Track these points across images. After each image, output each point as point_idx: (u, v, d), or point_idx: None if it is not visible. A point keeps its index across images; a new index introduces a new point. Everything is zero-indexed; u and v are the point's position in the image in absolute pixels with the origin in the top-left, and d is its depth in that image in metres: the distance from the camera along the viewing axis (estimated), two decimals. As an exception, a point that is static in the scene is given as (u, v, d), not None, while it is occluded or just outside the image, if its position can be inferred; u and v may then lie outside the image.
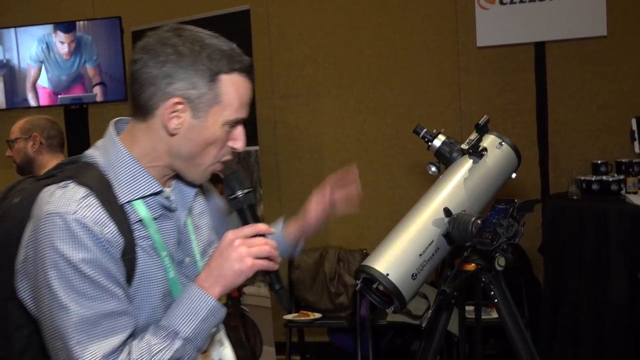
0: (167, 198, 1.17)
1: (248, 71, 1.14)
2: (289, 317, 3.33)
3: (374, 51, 3.67)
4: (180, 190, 1.21)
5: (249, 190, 1.16)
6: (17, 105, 3.98)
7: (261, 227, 1.13)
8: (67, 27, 3.89)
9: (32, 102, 3.98)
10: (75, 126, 3.98)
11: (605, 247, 2.77)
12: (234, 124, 1.14)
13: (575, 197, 3.10)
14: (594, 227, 2.84)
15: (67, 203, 1.03)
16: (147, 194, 1.13)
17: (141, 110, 1.12)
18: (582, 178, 3.16)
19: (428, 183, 1.65)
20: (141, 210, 1.12)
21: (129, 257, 1.08)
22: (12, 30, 3.93)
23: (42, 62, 3.97)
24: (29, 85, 3.98)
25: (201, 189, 1.30)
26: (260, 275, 1.15)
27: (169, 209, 1.17)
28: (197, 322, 1.07)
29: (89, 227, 1.02)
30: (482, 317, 1.66)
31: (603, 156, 3.32)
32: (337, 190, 1.54)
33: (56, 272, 1.01)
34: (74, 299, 1.01)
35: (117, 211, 1.07)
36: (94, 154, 1.14)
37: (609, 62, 3.42)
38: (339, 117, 3.74)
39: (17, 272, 1.08)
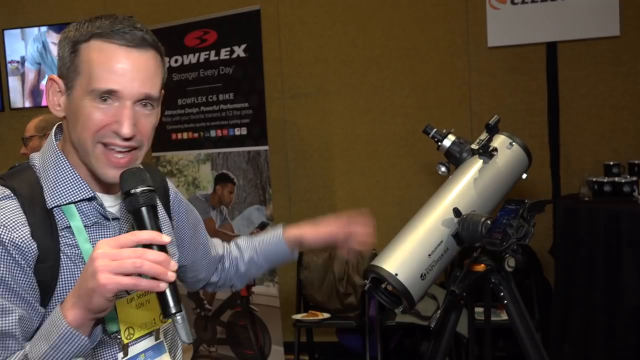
0: (102, 205, 1.06)
1: (114, 36, 0.99)
2: (298, 316, 3.33)
3: (384, 51, 3.67)
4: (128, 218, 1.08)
5: (149, 188, 0.96)
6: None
7: (143, 234, 0.90)
8: (60, 28, 3.94)
9: (27, 105, 4.04)
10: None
11: (617, 249, 2.74)
12: (101, 97, 0.99)
13: (586, 199, 3.07)
14: (605, 229, 2.81)
15: None
16: (77, 199, 1.03)
17: None
18: (594, 179, 3.13)
19: (438, 183, 1.64)
20: (70, 216, 1.03)
21: (49, 265, 0.99)
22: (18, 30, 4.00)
23: (39, 63, 4.03)
24: (27, 88, 4.03)
25: (168, 201, 1.21)
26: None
27: (106, 217, 1.07)
28: (47, 348, 0.90)
29: None
30: (492, 318, 1.65)
31: (615, 157, 3.29)
32: (352, 226, 1.43)
33: None
34: None
35: (40, 216, 0.99)
36: (34, 156, 1.09)
37: (622, 63, 3.38)
38: (348, 117, 3.74)
39: None
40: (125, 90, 0.99)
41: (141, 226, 0.94)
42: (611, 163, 3.22)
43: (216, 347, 3.60)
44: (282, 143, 3.80)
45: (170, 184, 1.30)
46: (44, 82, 4.04)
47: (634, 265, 2.68)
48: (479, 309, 1.72)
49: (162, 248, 0.91)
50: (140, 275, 0.88)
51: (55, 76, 1.04)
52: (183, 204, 1.31)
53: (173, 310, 0.91)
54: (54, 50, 3.99)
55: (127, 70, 0.99)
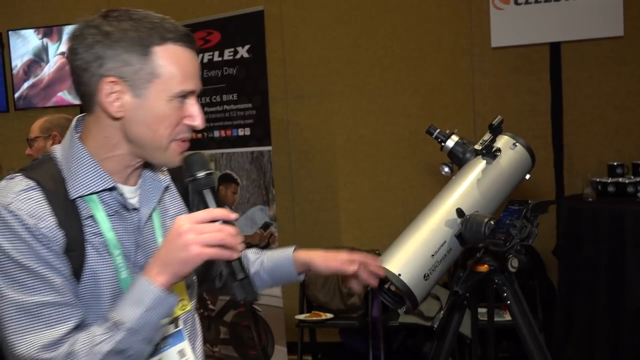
0: (122, 195, 1.11)
1: (184, 40, 1.08)
2: (301, 317, 3.34)
3: (387, 51, 3.67)
4: (147, 189, 1.16)
5: (210, 172, 1.08)
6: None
7: (217, 212, 1.03)
8: (60, 29, 3.97)
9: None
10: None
11: (621, 250, 2.73)
12: (181, 97, 1.08)
13: (590, 199, 3.07)
14: (609, 229, 2.80)
15: (5, 195, 1.03)
16: (99, 189, 1.08)
17: (85, 100, 1.09)
18: (598, 180, 3.12)
19: (441, 184, 1.65)
20: (93, 206, 1.08)
21: (75, 254, 1.04)
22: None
23: (40, 63, 4.06)
24: (33, 89, 4.06)
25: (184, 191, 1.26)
26: (223, 265, 1.07)
27: (126, 207, 1.12)
28: (142, 311, 0.99)
29: (22, 219, 1.01)
30: (495, 319, 1.65)
31: (619, 158, 3.28)
32: (363, 260, 1.40)
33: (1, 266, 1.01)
34: (12, 288, 1.00)
35: (65, 206, 1.05)
36: (56, 149, 1.13)
37: (626, 63, 3.38)
38: (351, 118, 3.74)
39: None
40: (197, 89, 1.11)
41: (206, 205, 1.06)
42: (615, 163, 3.21)
43: (219, 347, 3.60)
44: (285, 144, 3.81)
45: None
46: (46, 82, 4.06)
47: (637, 266, 2.68)
48: (482, 310, 1.72)
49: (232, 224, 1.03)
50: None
51: (115, 78, 1.04)
52: None
53: (240, 277, 1.05)
54: (52, 52, 4.00)
55: (195, 72, 1.11)
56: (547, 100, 3.45)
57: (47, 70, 4.06)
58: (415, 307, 1.43)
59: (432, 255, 1.43)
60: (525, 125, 3.45)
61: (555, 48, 3.41)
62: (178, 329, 1.18)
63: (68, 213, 1.04)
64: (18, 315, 1.00)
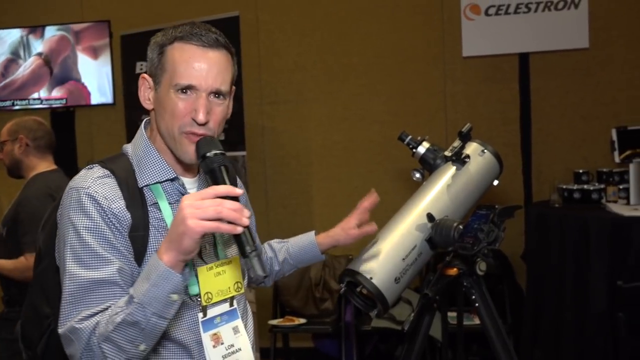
0: (183, 185, 1.24)
1: (192, 38, 1.18)
2: (274, 322, 3.34)
3: (362, 59, 3.72)
4: (204, 180, 1.27)
5: (220, 151, 1.13)
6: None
7: (220, 188, 1.06)
8: (35, 30, 3.91)
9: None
10: (61, 129, 3.97)
11: (586, 254, 2.81)
12: (184, 91, 1.17)
13: (557, 205, 3.16)
14: (574, 235, 2.88)
15: (85, 180, 1.17)
16: (162, 179, 1.22)
17: None
18: (564, 187, 3.22)
19: (414, 190, 1.68)
20: (157, 194, 1.21)
21: (140, 235, 1.16)
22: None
23: (14, 62, 3.98)
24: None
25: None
26: (234, 241, 1.10)
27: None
28: (148, 286, 1.05)
29: (97, 200, 1.14)
30: (465, 323, 1.68)
31: (585, 165, 3.39)
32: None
33: (68, 238, 1.14)
34: (75, 264, 1.12)
35: (134, 193, 1.18)
36: (127, 146, 1.28)
37: (591, 74, 3.49)
38: (326, 124, 3.77)
39: (56, 243, 1.21)
40: (201, 84, 1.17)
41: (217, 183, 1.10)
42: (580, 171, 3.31)
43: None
44: (260, 149, 3.81)
45: (239, 180, 1.50)
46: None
47: (601, 271, 2.75)
48: (452, 314, 1.75)
49: (236, 200, 1.06)
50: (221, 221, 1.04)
51: (146, 75, 1.23)
52: (244, 197, 1.46)
53: (248, 251, 1.06)
54: (34, 50, 3.94)
55: (202, 68, 1.17)
56: (517, 108, 3.55)
57: (22, 71, 3.98)
58: (386, 310, 1.46)
59: (403, 259, 1.46)
60: (496, 132, 3.53)
61: (524, 58, 3.51)
62: (233, 307, 1.28)
63: (136, 199, 1.18)
64: (72, 286, 1.11)
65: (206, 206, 1.03)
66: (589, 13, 3.39)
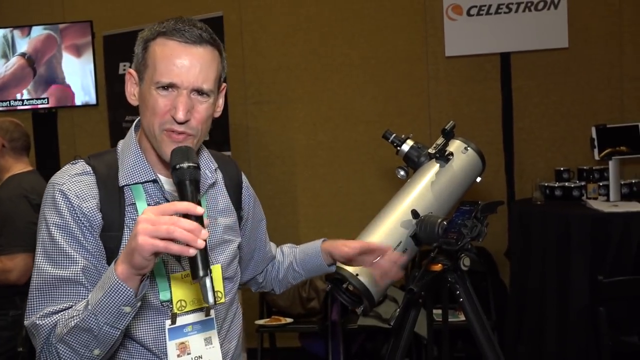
0: (162, 187, 1.21)
1: (175, 35, 1.14)
2: (260, 322, 3.33)
3: (345, 59, 3.73)
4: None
5: (192, 165, 1.07)
6: None
7: (180, 205, 1.01)
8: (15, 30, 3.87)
9: None
10: (43, 130, 3.93)
11: (567, 250, 2.86)
12: (164, 87, 1.13)
13: (539, 203, 3.20)
14: (556, 231, 2.93)
15: (62, 176, 1.16)
16: (142, 180, 1.19)
17: None
18: (546, 184, 3.27)
19: (398, 189, 1.70)
20: (137, 195, 1.18)
21: (114, 235, 1.14)
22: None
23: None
24: None
25: (240, 192, 1.35)
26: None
27: (166, 199, 1.20)
28: (100, 296, 1.03)
29: (69, 198, 1.13)
30: (450, 319, 1.71)
31: (566, 163, 3.44)
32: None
33: (40, 235, 1.14)
34: (43, 259, 1.13)
35: (112, 192, 1.16)
36: (120, 142, 1.26)
37: (571, 73, 3.55)
38: (310, 124, 3.79)
39: None
40: (182, 82, 1.13)
41: (183, 197, 1.05)
42: (562, 169, 3.37)
43: (178, 355, 3.55)
44: (244, 149, 3.81)
45: (245, 178, 1.43)
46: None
47: (581, 267, 2.81)
48: (437, 311, 1.78)
49: (199, 219, 1.00)
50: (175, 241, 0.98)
51: (132, 70, 1.20)
52: (252, 198, 1.44)
53: (200, 274, 1.00)
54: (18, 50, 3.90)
55: (183, 65, 1.13)
56: (499, 108, 3.59)
57: (4, 72, 3.92)
58: (372, 306, 1.47)
59: (389, 255, 1.47)
60: (479, 131, 3.57)
61: (505, 58, 3.55)
62: (209, 317, 1.24)
63: (114, 198, 1.16)
64: (38, 281, 1.12)
65: (160, 223, 0.97)
66: (568, 13, 3.45)
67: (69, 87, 3.90)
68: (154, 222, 0.98)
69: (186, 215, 0.99)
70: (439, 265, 1.54)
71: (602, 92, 3.54)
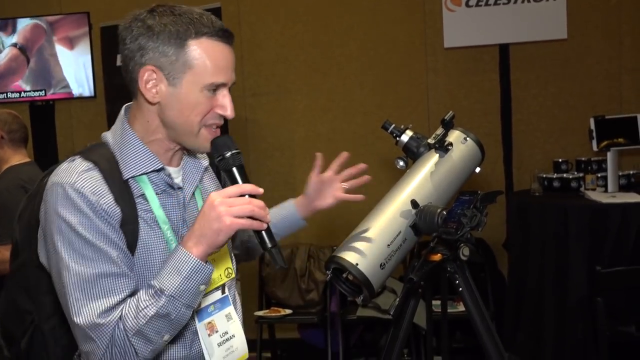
0: (169, 175, 1.22)
1: (219, 35, 1.16)
2: (260, 313, 3.35)
3: (344, 50, 3.73)
4: (190, 169, 1.27)
5: (237, 151, 1.16)
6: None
7: (246, 187, 1.12)
8: (9, 22, 3.85)
9: None
10: (41, 122, 3.92)
11: (565, 241, 2.88)
12: (214, 88, 1.17)
13: (537, 194, 3.21)
14: (554, 222, 2.94)
15: (69, 174, 1.14)
16: (149, 170, 1.20)
17: (130, 87, 1.20)
18: (544, 176, 3.28)
19: (398, 180, 1.70)
20: (144, 185, 1.20)
21: (130, 228, 1.16)
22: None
23: None
24: None
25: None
26: (255, 236, 1.15)
27: (172, 186, 1.23)
28: (181, 279, 1.08)
29: (86, 195, 1.12)
30: (449, 310, 1.71)
31: (564, 155, 3.45)
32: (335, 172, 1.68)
33: (60, 235, 1.11)
34: (74, 259, 1.11)
35: (119, 185, 1.16)
36: (107, 135, 1.24)
37: (570, 65, 3.55)
38: (309, 116, 3.78)
39: (38, 240, 1.19)
40: (228, 82, 1.19)
41: (235, 182, 1.14)
42: (560, 160, 3.38)
43: (177, 346, 3.56)
44: (243, 141, 3.81)
45: None
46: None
47: (579, 257, 2.82)
48: (436, 302, 1.78)
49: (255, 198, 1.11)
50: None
51: (154, 67, 1.15)
52: None
53: (269, 245, 1.13)
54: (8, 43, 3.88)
55: (228, 65, 1.19)
56: (497, 99, 3.59)
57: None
58: (372, 296, 1.48)
59: (388, 245, 1.48)
60: (477, 123, 3.58)
61: (504, 49, 3.55)
62: (225, 294, 1.30)
63: (122, 192, 1.16)
64: (81, 284, 1.10)
65: (239, 204, 1.08)
66: (567, 5, 3.44)
67: (64, 78, 3.88)
68: (232, 203, 1.08)
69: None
70: (438, 255, 1.54)
71: (600, 83, 3.54)
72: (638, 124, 3.11)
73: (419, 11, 3.65)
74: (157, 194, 1.21)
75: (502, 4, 3.50)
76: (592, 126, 3.11)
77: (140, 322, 1.08)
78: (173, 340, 1.19)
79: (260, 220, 1.10)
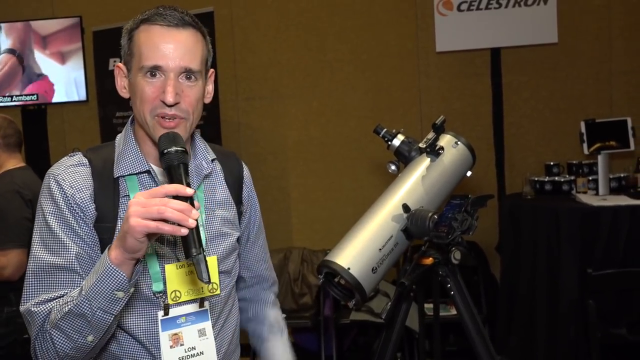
0: (156, 178, 1.21)
1: (158, 20, 1.16)
2: (253, 317, 3.34)
3: (337, 54, 3.74)
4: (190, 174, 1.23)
5: (180, 149, 1.10)
6: None
7: (169, 187, 1.03)
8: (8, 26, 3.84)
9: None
10: (32, 127, 3.90)
11: (557, 244, 2.89)
12: (151, 72, 1.14)
13: (529, 197, 3.23)
14: (546, 225, 2.96)
15: (59, 167, 1.19)
16: (135, 171, 1.20)
17: None
18: (536, 179, 3.29)
19: (390, 184, 1.70)
20: (131, 186, 1.19)
21: (108, 226, 1.16)
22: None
23: None
24: None
25: (240, 189, 1.36)
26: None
27: None
28: (94, 281, 1.05)
29: (63, 188, 1.15)
30: (442, 314, 1.72)
31: (555, 158, 3.47)
32: None
33: (37, 223, 1.17)
34: (39, 246, 1.15)
35: (107, 184, 1.18)
36: (118, 135, 1.28)
37: (561, 68, 3.58)
38: (302, 120, 3.79)
39: None
40: (167, 65, 1.14)
41: (172, 181, 1.08)
42: (551, 163, 3.40)
43: (170, 351, 3.54)
44: (236, 145, 3.81)
45: (247, 174, 1.44)
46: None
47: (571, 260, 2.83)
48: (429, 305, 1.79)
49: (190, 201, 1.03)
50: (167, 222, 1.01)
51: (120, 64, 1.22)
52: (254, 199, 1.44)
53: (193, 252, 1.02)
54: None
55: (168, 47, 1.14)
56: (489, 103, 3.61)
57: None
58: (364, 300, 1.48)
59: (380, 249, 1.48)
60: (469, 126, 3.59)
61: (495, 53, 3.57)
62: (204, 309, 1.24)
63: (108, 190, 1.17)
64: (34, 268, 1.14)
65: (151, 205, 1.00)
66: (557, 9, 3.47)
67: (52, 84, 3.87)
68: (145, 204, 1.01)
69: (177, 198, 1.02)
70: (430, 258, 1.55)
71: (591, 87, 3.57)
72: (628, 127, 3.14)
73: (411, 15, 3.67)
74: None
75: (493, 8, 3.52)
76: (583, 129, 3.13)
77: (58, 317, 1.08)
78: (137, 344, 1.19)
79: (179, 225, 1.00)
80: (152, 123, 1.16)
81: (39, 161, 3.69)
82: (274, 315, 1.50)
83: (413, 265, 1.54)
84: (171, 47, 1.14)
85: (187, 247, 1.02)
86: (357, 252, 1.47)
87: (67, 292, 1.12)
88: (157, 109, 1.15)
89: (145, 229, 1.00)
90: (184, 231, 1.00)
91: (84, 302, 1.06)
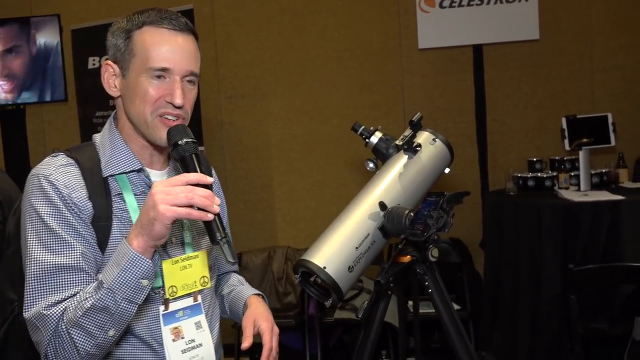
0: (148, 177, 1.23)
1: (162, 23, 1.18)
2: (237, 317, 3.31)
3: (319, 52, 3.72)
4: (177, 172, 1.23)
5: (191, 140, 1.15)
6: None
7: (190, 175, 1.08)
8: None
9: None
10: (11, 127, 3.84)
11: (539, 240, 2.90)
12: (157, 74, 1.17)
13: (512, 193, 3.24)
14: (528, 221, 2.97)
15: (47, 167, 1.18)
16: (127, 170, 1.21)
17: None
18: (519, 175, 3.30)
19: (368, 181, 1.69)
20: (122, 184, 1.20)
21: (103, 225, 1.16)
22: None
23: None
24: None
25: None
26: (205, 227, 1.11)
27: (151, 188, 1.18)
28: (118, 271, 1.07)
29: (58, 188, 1.14)
30: (425, 311, 1.71)
31: (538, 154, 3.49)
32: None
33: (30, 225, 1.14)
34: (39, 249, 1.12)
35: (98, 183, 1.18)
36: (96, 136, 1.27)
37: (542, 65, 3.59)
38: (285, 118, 3.77)
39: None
40: (175, 68, 1.18)
41: (187, 171, 1.12)
42: (534, 159, 3.41)
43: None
44: (219, 144, 3.78)
45: (214, 173, 1.53)
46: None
47: (552, 256, 2.85)
48: (412, 302, 1.78)
49: (207, 188, 1.08)
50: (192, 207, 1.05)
51: (110, 61, 1.22)
52: (216, 186, 1.52)
53: (218, 237, 1.08)
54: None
55: (175, 51, 1.18)
56: (472, 99, 3.61)
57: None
58: (340, 299, 1.47)
59: (356, 248, 1.47)
60: (452, 123, 3.59)
61: (478, 50, 3.57)
62: (197, 302, 1.28)
63: (99, 189, 1.17)
64: (38, 276, 1.11)
65: (177, 192, 1.05)
66: (538, 6, 3.48)
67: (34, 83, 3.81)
68: (170, 192, 1.05)
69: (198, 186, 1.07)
70: (408, 256, 1.54)
71: (572, 83, 3.58)
72: (609, 123, 3.15)
73: (393, 12, 3.66)
74: (135, 194, 1.21)
75: (475, 4, 3.52)
76: (564, 125, 3.14)
77: (78, 314, 1.06)
78: (138, 342, 1.19)
79: (204, 210, 1.05)
80: (152, 123, 1.18)
81: (17, 161, 3.64)
82: (237, 278, 1.56)
83: (390, 263, 1.53)
84: (178, 50, 1.18)
85: (212, 233, 1.08)
86: (333, 251, 1.45)
87: (77, 292, 1.11)
88: (160, 109, 1.18)
89: (174, 215, 1.04)
90: (210, 216, 1.06)
91: (107, 294, 1.06)
